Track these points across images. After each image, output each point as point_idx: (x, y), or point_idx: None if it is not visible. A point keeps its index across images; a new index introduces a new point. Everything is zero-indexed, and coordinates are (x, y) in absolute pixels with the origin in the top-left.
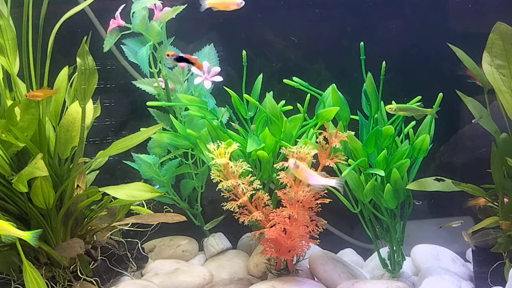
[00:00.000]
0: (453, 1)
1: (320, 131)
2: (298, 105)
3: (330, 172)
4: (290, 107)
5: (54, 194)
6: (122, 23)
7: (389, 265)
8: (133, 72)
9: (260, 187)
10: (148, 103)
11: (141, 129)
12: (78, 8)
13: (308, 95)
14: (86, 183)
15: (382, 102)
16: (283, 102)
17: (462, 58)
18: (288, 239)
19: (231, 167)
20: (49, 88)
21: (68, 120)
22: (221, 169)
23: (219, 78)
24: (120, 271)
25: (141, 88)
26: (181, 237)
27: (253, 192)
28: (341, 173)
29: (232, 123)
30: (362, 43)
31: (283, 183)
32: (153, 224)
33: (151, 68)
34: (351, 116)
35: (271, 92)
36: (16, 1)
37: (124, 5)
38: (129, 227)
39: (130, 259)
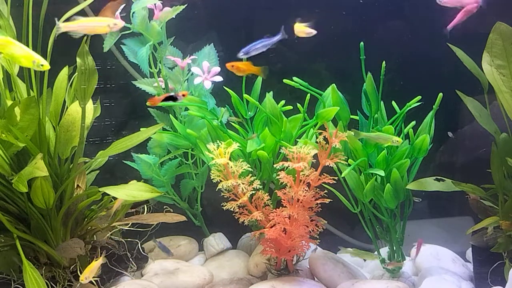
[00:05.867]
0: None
1: (320, 131)
2: (298, 105)
3: (330, 172)
4: (290, 107)
5: (54, 194)
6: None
7: None
8: (133, 72)
9: (260, 187)
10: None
11: (141, 129)
12: (78, 8)
13: (308, 95)
14: (86, 183)
15: (382, 102)
16: (283, 102)
17: (462, 58)
18: (288, 239)
19: (231, 167)
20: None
21: (68, 120)
22: (221, 169)
23: (219, 78)
24: (120, 271)
25: (141, 88)
26: (181, 237)
27: (253, 192)
28: (341, 173)
29: (232, 122)
30: (362, 43)
31: (283, 183)
32: (153, 224)
33: (151, 68)
34: (351, 116)
35: (271, 92)
36: (16, 1)
37: (124, 5)
38: (129, 227)
39: (130, 259)
